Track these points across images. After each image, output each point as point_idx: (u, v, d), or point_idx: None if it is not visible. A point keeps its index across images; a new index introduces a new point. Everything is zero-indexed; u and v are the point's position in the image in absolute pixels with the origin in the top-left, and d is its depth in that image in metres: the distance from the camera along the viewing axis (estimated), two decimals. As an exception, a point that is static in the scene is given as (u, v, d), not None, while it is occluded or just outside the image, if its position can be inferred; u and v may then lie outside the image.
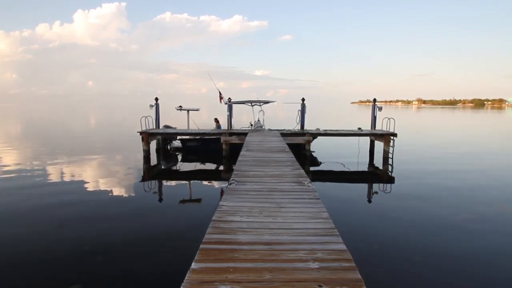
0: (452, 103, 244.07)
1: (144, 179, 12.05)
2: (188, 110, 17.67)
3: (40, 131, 31.11)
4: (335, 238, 3.60)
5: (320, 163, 15.13)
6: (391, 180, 12.05)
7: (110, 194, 9.81)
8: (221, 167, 14.16)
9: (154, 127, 16.57)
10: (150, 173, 13.22)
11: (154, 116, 16.67)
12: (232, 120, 16.34)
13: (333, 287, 2.68)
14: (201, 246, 3.39)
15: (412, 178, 12.30)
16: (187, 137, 16.69)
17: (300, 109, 16.11)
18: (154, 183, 11.60)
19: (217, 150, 15.18)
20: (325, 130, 15.96)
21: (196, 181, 11.83)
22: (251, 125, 18.26)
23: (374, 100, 16.96)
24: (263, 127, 17.97)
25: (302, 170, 7.13)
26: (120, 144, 21.08)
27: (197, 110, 18.51)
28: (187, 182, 11.80)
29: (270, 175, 6.67)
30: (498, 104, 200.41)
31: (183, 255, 5.03)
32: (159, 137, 16.65)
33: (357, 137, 17.15)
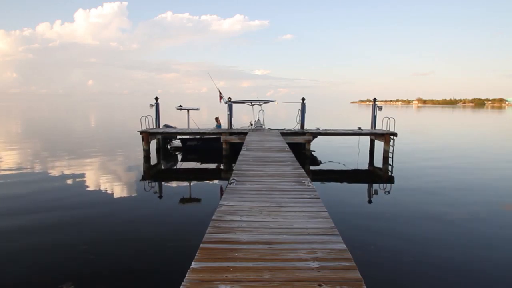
0: (453, 102, 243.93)
1: (144, 178, 12.06)
2: (188, 110, 17.68)
3: (41, 130, 31.11)
4: (335, 238, 3.60)
5: (320, 162, 15.14)
6: (391, 179, 12.05)
7: (110, 193, 9.81)
8: (221, 167, 14.16)
9: (154, 127, 16.58)
10: (150, 172, 13.23)
11: (154, 116, 16.69)
12: (232, 119, 16.34)
13: (333, 286, 2.68)
14: (201, 245, 3.40)
15: (412, 177, 12.31)
16: (187, 136, 16.70)
17: (300, 108, 16.11)
18: (154, 183, 11.60)
19: (217, 150, 15.19)
20: (325, 130, 15.96)
21: (196, 180, 11.83)
22: (251, 124, 18.26)
23: (374, 99, 16.97)
24: (263, 126, 17.98)
25: (302, 170, 7.13)
26: (120, 144, 21.08)
27: (197, 109, 18.53)
28: (187, 181, 11.80)
29: (270, 174, 6.67)
30: (498, 103, 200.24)
31: (183, 255, 5.04)
32: (159, 136, 16.65)
33: (357, 137, 17.16)
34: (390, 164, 14.14)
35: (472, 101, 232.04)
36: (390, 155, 14.71)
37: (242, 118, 30.71)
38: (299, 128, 16.15)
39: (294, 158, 8.58)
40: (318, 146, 17.41)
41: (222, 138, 14.85)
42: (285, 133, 14.98)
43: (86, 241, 6.30)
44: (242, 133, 15.14)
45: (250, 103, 18.69)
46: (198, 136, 16.26)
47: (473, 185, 11.16)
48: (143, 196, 9.89)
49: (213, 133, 15.61)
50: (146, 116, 15.87)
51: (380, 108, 16.53)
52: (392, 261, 5.66)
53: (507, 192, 10.43)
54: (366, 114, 32.15)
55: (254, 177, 6.43)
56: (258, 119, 18.94)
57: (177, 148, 17.80)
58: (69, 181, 11.16)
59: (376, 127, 16.51)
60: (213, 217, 4.17)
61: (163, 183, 11.75)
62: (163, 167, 14.59)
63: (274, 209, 4.52)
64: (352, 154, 16.65)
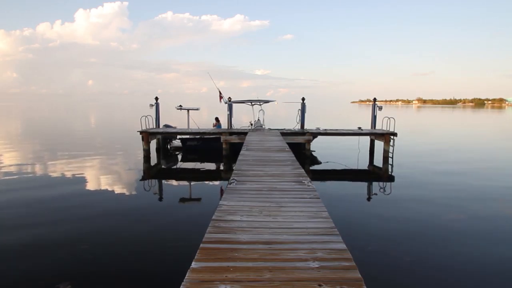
0: (453, 102, 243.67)
1: (144, 178, 12.06)
2: (188, 110, 17.68)
3: (41, 130, 31.11)
4: (335, 237, 3.60)
5: (320, 162, 15.14)
6: (391, 179, 12.05)
7: (110, 193, 9.81)
8: (221, 167, 14.16)
9: (154, 127, 16.58)
10: (150, 172, 13.23)
11: (154, 116, 16.69)
12: (232, 119, 16.35)
13: (333, 286, 2.68)
14: (201, 245, 3.40)
15: (412, 177, 12.30)
16: (187, 136, 16.70)
17: (300, 108, 16.11)
18: (154, 182, 11.60)
19: (217, 150, 15.19)
20: (325, 130, 15.96)
21: (196, 180, 11.83)
22: (251, 124, 18.26)
23: (374, 99, 16.97)
24: (263, 126, 17.97)
25: (302, 170, 7.13)
26: (120, 143, 21.08)
27: (197, 109, 18.53)
28: (187, 181, 11.80)
29: (270, 174, 6.67)
30: (498, 103, 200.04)
31: (183, 254, 5.03)
32: (159, 136, 16.65)
33: (357, 137, 17.15)
34: (390, 164, 14.14)
35: (472, 101, 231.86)
36: (390, 155, 14.71)
37: (242, 118, 30.71)
38: (299, 128, 16.14)
39: (294, 158, 8.58)
40: (318, 146, 17.41)
41: (222, 138, 14.85)
42: (285, 133, 14.98)
43: (85, 241, 6.29)
44: (242, 133, 15.14)
45: (250, 103, 18.68)
46: (198, 136, 16.25)
47: (473, 185, 11.15)
48: (143, 196, 9.89)
49: (213, 133, 15.61)
50: (146, 116, 15.87)
51: (380, 108, 16.53)
52: (392, 261, 5.66)
53: (508, 191, 10.44)
54: (366, 114, 32.16)
55: (254, 177, 6.43)
56: (258, 119, 18.94)
57: (177, 148, 17.80)
58: (69, 181, 11.16)
59: (376, 127, 16.51)
60: (213, 217, 4.16)
61: (163, 183, 11.76)
62: (163, 167, 14.59)
63: (274, 209, 4.52)
64: (352, 154, 16.65)
